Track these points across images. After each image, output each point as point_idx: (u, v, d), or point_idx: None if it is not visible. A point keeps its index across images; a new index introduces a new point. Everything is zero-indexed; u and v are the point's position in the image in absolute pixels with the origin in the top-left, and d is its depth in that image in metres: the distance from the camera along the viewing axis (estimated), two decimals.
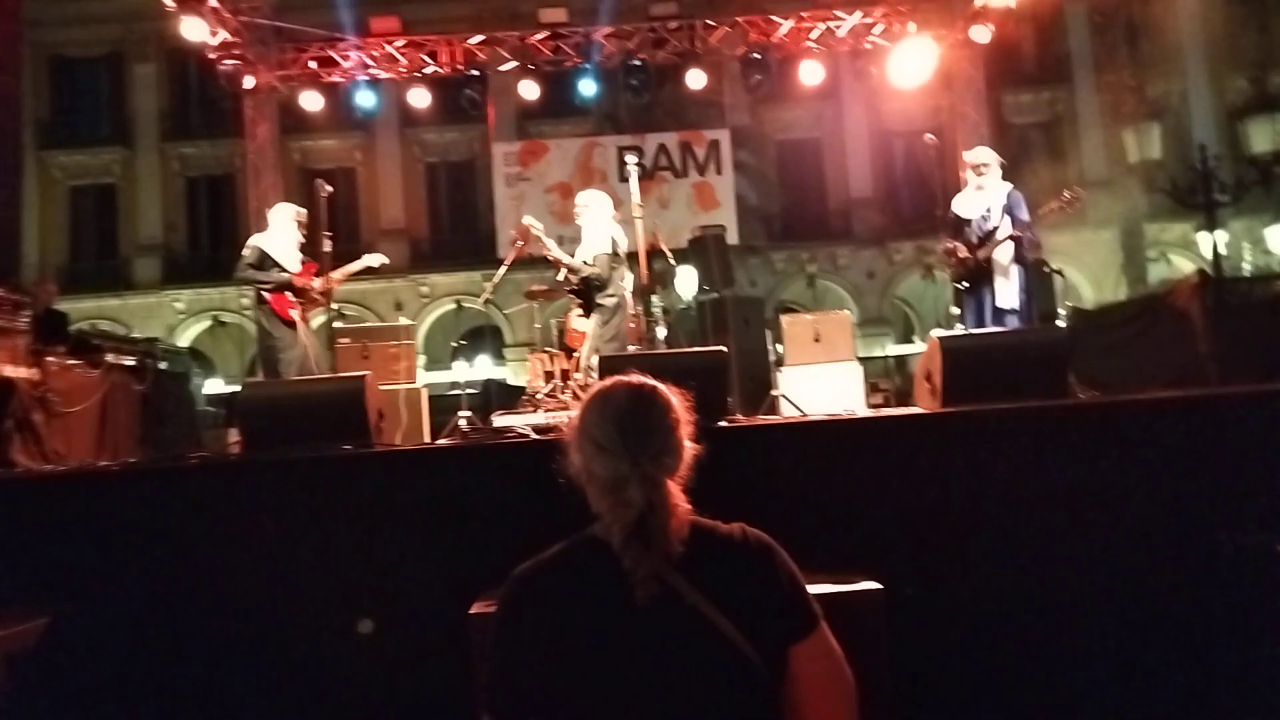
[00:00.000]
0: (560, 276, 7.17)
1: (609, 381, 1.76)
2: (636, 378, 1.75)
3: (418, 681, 3.16)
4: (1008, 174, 6.53)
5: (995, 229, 6.26)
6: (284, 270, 6.60)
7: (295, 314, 6.56)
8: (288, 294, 6.57)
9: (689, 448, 1.70)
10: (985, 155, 6.54)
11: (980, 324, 6.25)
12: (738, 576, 1.59)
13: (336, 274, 6.75)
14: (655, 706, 1.49)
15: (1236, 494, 3.29)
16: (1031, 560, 3.25)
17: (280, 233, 6.77)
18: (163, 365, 7.70)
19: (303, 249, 6.81)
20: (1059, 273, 8.02)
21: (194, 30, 10.21)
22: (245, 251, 6.69)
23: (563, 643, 1.55)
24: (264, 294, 6.56)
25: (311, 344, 6.69)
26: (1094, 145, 21.12)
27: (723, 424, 3.92)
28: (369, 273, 7.28)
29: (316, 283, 6.68)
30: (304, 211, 6.91)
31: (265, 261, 6.58)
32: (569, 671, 1.54)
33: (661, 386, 1.74)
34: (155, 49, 21.47)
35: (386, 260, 7.39)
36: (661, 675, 1.50)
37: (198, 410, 10.38)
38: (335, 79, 11.90)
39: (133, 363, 7.21)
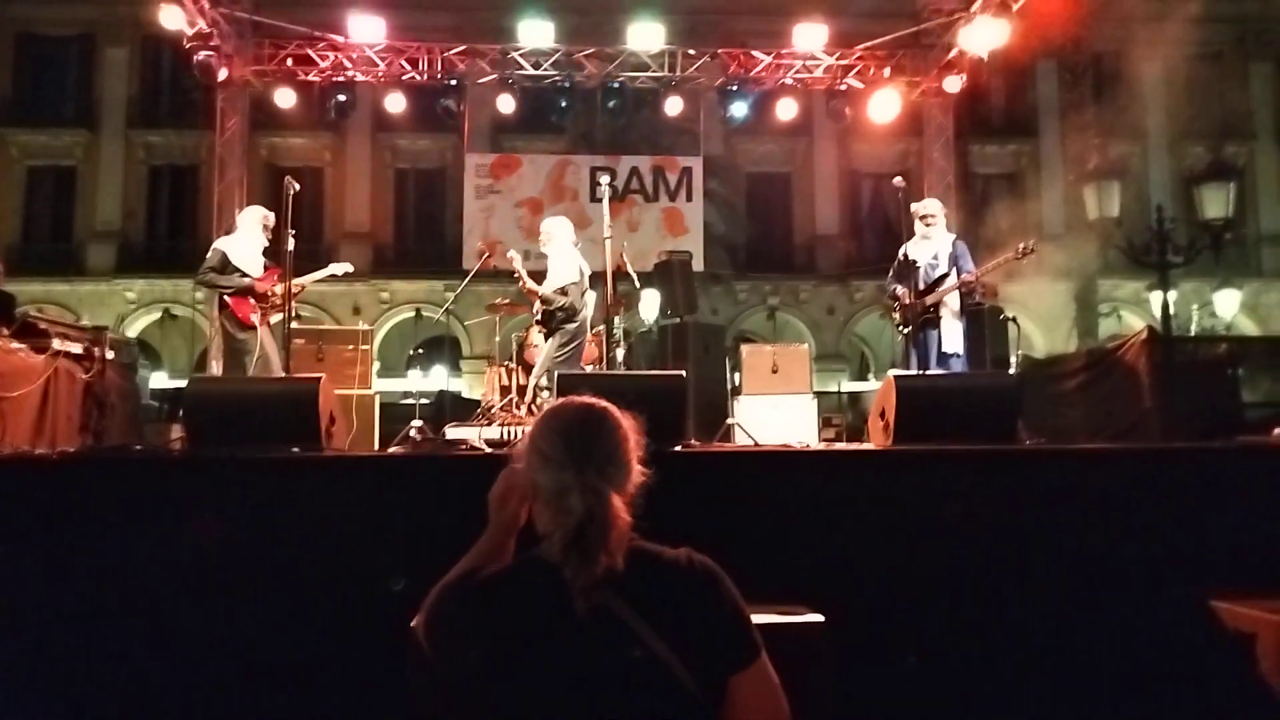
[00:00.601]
0: (534, 309, 7.22)
1: (561, 400, 1.79)
2: (588, 398, 1.76)
3: (359, 694, 3.10)
4: (971, 222, 6.71)
5: (943, 276, 6.48)
6: (246, 275, 6.65)
7: (255, 318, 6.59)
8: (249, 298, 6.61)
9: (636, 469, 1.70)
10: (932, 206, 6.82)
11: (925, 367, 6.43)
12: (680, 601, 1.58)
13: (299, 281, 6.73)
14: None
15: (1173, 546, 3.37)
16: (972, 598, 3.29)
17: (246, 236, 6.82)
18: (110, 355, 7.50)
19: (268, 250, 6.83)
20: (1013, 320, 8.18)
21: (172, 18, 10.10)
22: (209, 255, 6.72)
23: (495, 657, 1.54)
24: (225, 297, 6.60)
25: (273, 347, 6.68)
26: (1055, 199, 21.64)
27: (678, 449, 3.92)
28: (331, 279, 7.28)
29: (279, 288, 6.65)
30: (272, 215, 6.92)
31: (228, 266, 6.62)
32: (499, 686, 1.52)
33: (612, 407, 1.74)
34: (130, 33, 21.09)
35: (351, 269, 7.44)
36: (593, 696, 1.49)
37: (142, 403, 10.13)
38: (311, 78, 11.80)
39: (79, 350, 7.03)
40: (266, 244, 6.84)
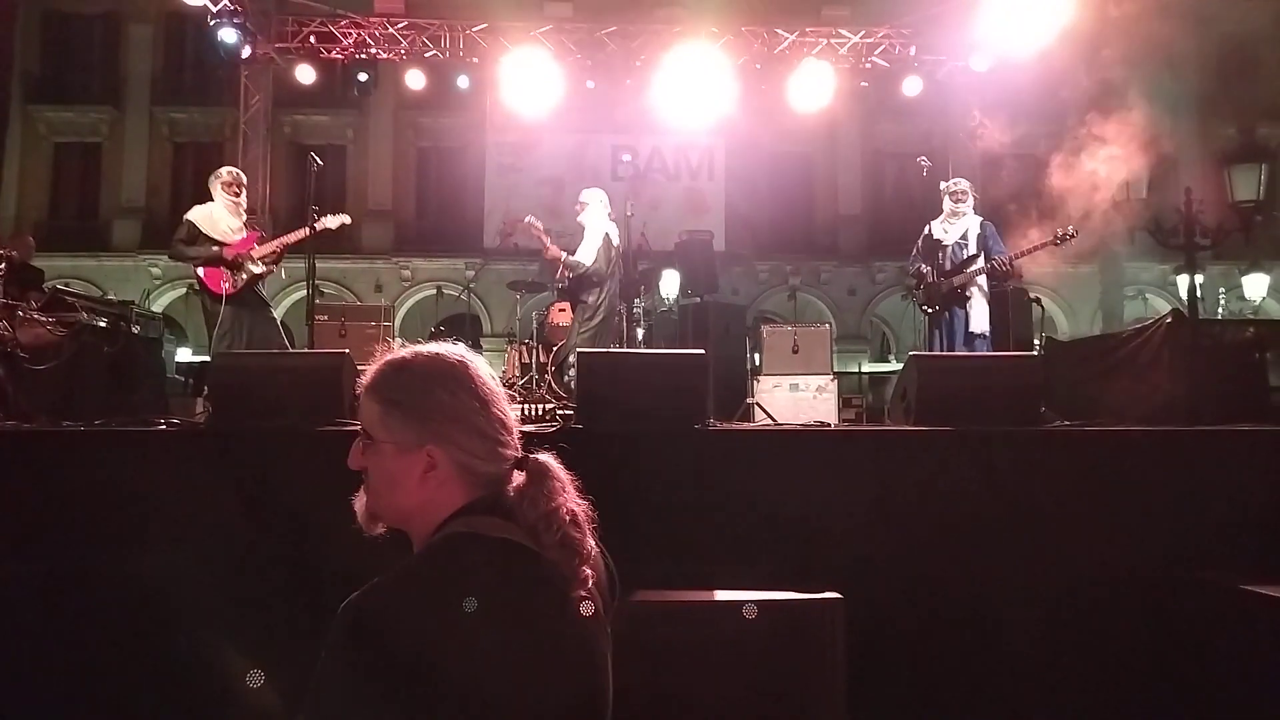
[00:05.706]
0: (556, 275, 7.21)
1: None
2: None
3: None
4: (997, 203, 6.67)
5: (972, 256, 6.42)
6: (217, 243, 6.42)
7: (226, 286, 6.34)
8: (220, 268, 6.38)
9: None
10: (964, 184, 6.75)
11: (950, 347, 6.39)
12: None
13: (280, 240, 6.49)
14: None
15: (1200, 530, 3.34)
16: (991, 578, 3.28)
17: (217, 202, 6.61)
18: (135, 329, 7.58)
19: (261, 219, 6.64)
20: (1037, 301, 8.10)
21: None
22: (180, 226, 6.52)
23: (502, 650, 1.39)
24: (197, 269, 6.40)
25: (247, 320, 6.42)
26: (1081, 179, 21.33)
27: (698, 427, 3.92)
28: (354, 256, 7.23)
29: (257, 252, 6.43)
30: (235, 172, 6.74)
31: (198, 237, 6.41)
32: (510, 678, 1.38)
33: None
34: (154, 10, 21.18)
35: (349, 220, 7.00)
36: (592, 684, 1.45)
37: (167, 377, 10.23)
38: (334, 56, 11.82)
39: (105, 324, 7.11)
40: (238, 203, 6.61)
